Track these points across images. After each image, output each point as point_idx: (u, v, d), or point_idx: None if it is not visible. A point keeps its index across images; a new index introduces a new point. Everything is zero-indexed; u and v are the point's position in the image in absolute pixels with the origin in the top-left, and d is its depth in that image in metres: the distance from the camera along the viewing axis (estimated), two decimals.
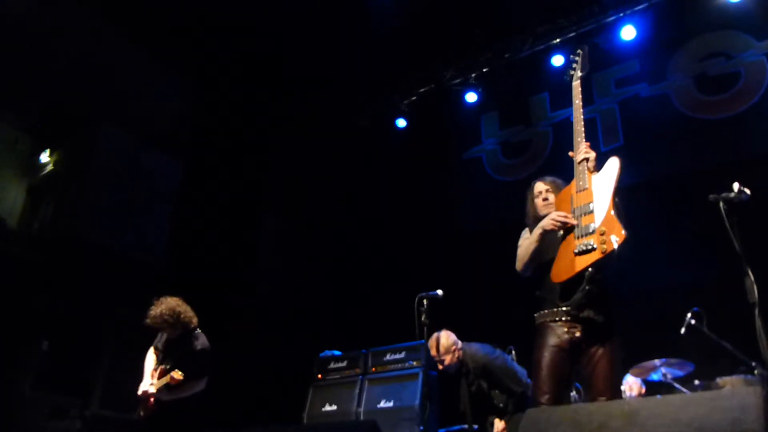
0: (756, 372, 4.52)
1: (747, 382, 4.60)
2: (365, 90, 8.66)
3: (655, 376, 5.13)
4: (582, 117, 3.50)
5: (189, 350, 4.82)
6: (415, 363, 5.71)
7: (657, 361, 4.99)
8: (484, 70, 8.19)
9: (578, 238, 2.97)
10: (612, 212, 2.91)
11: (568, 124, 7.75)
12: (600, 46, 7.55)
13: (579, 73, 3.75)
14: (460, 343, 4.76)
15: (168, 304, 4.88)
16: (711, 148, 6.73)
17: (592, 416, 2.14)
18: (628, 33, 7.36)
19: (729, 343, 4.72)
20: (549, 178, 3.68)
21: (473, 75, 8.25)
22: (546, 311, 3.10)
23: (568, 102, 8.09)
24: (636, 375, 5.20)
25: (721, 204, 2.74)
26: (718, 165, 6.51)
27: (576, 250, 2.93)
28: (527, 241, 3.38)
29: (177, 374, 4.60)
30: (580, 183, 3.20)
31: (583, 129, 3.44)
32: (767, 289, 2.76)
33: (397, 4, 7.45)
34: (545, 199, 3.53)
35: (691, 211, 5.99)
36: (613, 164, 3.13)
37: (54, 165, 7.26)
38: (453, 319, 4.83)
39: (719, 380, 4.80)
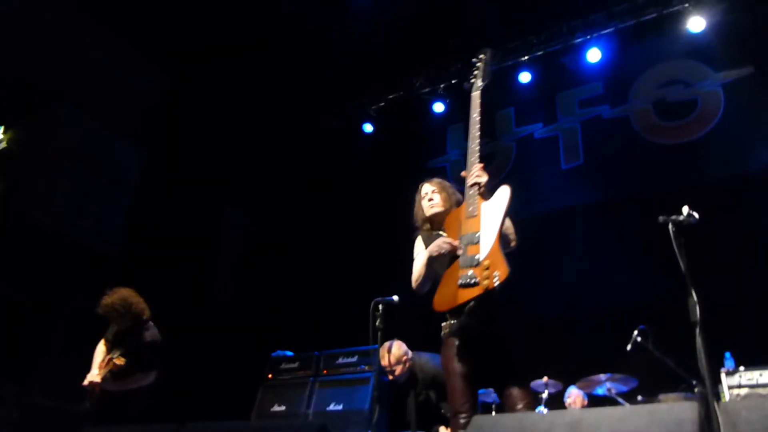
0: (696, 390, 4.67)
1: (687, 399, 4.76)
2: (335, 92, 8.66)
3: (600, 391, 5.27)
4: (478, 134, 3.34)
5: (138, 342, 4.76)
6: (367, 367, 5.73)
7: (602, 376, 5.13)
8: (453, 81, 8.29)
9: (462, 268, 2.84)
10: (498, 246, 2.81)
11: (532, 140, 8.00)
12: (566, 66, 7.76)
13: (479, 83, 3.59)
14: (410, 353, 4.78)
15: (120, 294, 4.81)
16: (665, 172, 6.96)
17: (536, 425, 2.19)
18: (593, 55, 7.58)
19: (672, 361, 4.87)
20: (436, 180, 3.65)
21: (442, 86, 8.35)
22: (445, 323, 3.06)
23: (533, 118, 8.34)
24: (581, 388, 5.33)
25: (670, 226, 2.84)
26: (672, 189, 6.73)
27: (459, 282, 2.80)
28: (417, 263, 3.32)
29: (119, 360, 4.57)
30: (470, 209, 3.03)
31: (478, 148, 3.28)
32: (709, 310, 2.88)
33: (374, 10, 7.48)
34: (431, 200, 3.52)
35: (643, 233, 6.17)
36: (503, 193, 3.01)
37: (7, 143, 7.04)
38: (407, 325, 4.86)
39: (661, 396, 4.94)
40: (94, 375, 4.71)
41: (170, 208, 7.57)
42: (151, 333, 4.87)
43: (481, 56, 3.66)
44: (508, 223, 3.18)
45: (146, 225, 7.36)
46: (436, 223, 3.51)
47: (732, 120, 6.83)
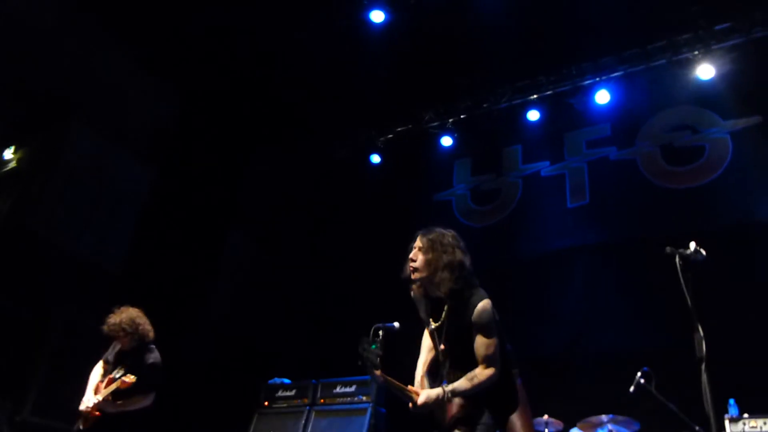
0: None
1: None
2: (345, 122, 8.75)
3: None
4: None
5: (141, 363, 4.70)
6: (364, 398, 5.66)
7: (604, 417, 5.02)
8: (462, 116, 8.38)
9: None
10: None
11: (538, 177, 8.03)
12: (575, 107, 7.83)
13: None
14: None
15: (129, 314, 4.80)
16: (671, 217, 6.95)
17: None
18: (602, 97, 7.65)
19: (675, 406, 4.78)
20: (430, 235, 3.20)
21: (450, 120, 8.43)
22: None
23: (540, 156, 8.39)
24: (582, 429, 5.22)
25: (677, 258, 2.81)
26: (677, 233, 6.70)
27: None
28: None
29: (128, 378, 4.50)
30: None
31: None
32: (713, 355, 2.83)
33: (386, 43, 7.59)
34: (412, 260, 3.15)
35: (647, 275, 6.14)
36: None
37: (17, 162, 7.12)
38: (409, 352, 4.81)
39: None
40: (92, 398, 4.62)
41: (174, 228, 7.60)
42: (154, 355, 4.83)
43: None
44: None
45: (150, 244, 7.37)
46: (418, 287, 3.22)
47: (739, 167, 6.85)
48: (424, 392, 2.96)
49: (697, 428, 4.60)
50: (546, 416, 5.39)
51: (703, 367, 2.55)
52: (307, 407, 5.97)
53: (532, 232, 7.61)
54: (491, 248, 7.59)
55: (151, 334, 4.90)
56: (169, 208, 7.64)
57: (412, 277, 3.14)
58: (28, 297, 6.23)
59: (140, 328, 4.80)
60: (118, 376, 4.59)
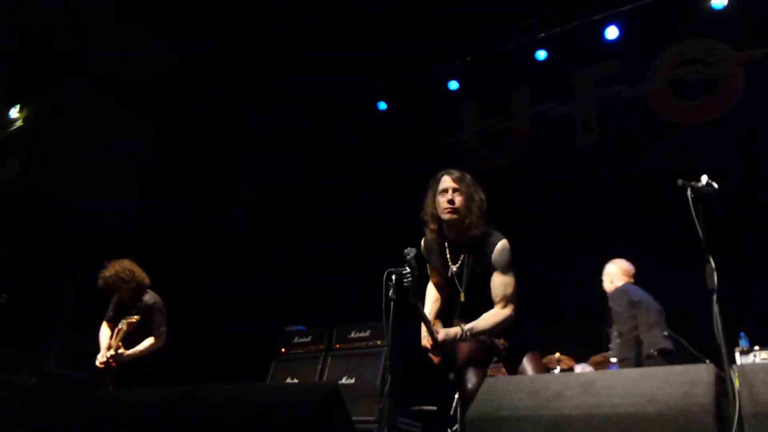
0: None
1: None
2: (350, 68, 8.61)
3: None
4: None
5: (142, 306, 4.89)
6: (379, 342, 5.75)
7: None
8: (468, 59, 8.21)
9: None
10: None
11: (548, 117, 7.91)
12: (583, 44, 7.64)
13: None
14: None
15: (122, 264, 4.97)
16: (683, 152, 6.85)
17: (549, 385, 2.19)
18: (611, 33, 7.45)
19: (685, 340, 4.83)
20: (459, 173, 3.18)
21: (457, 63, 8.27)
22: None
23: (549, 96, 8.22)
24: (593, 364, 5.30)
25: (689, 191, 2.80)
26: (689, 168, 6.60)
27: None
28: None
29: (132, 318, 4.69)
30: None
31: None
32: (724, 288, 2.84)
33: None
34: (450, 201, 3.07)
35: (660, 212, 6.10)
36: None
37: (23, 121, 7.11)
38: (421, 297, 4.86)
39: None
40: (105, 353, 4.76)
41: (182, 183, 7.62)
42: (154, 297, 5.01)
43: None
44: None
45: (159, 200, 7.42)
46: (446, 229, 3.16)
47: (753, 100, 6.69)
48: (443, 330, 2.98)
49: (707, 360, 4.66)
50: (558, 354, 5.48)
51: (714, 298, 2.57)
52: (324, 352, 6.09)
53: (542, 174, 7.54)
54: (500, 192, 7.54)
55: (147, 280, 5.06)
56: (175, 162, 7.65)
57: (448, 218, 3.07)
58: (44, 256, 6.34)
59: (136, 274, 4.98)
60: (125, 321, 4.74)
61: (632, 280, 5.03)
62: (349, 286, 7.24)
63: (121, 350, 4.70)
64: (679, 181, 2.85)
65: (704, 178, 2.90)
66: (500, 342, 3.03)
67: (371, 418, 5.14)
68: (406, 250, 3.05)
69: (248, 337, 7.02)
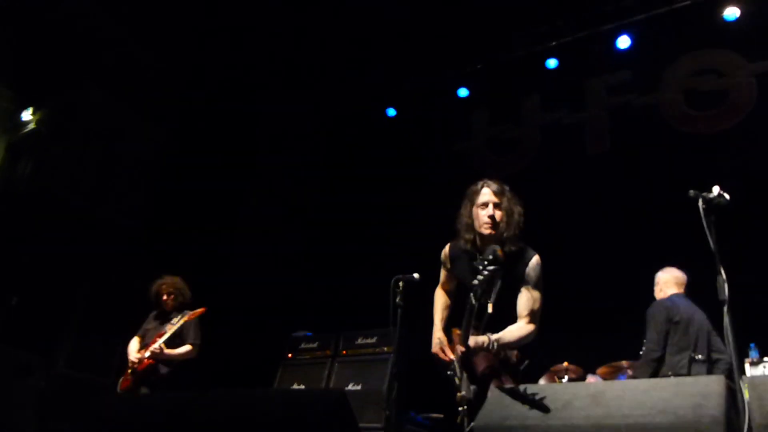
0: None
1: None
2: (360, 74, 8.63)
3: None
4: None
5: (185, 321, 5.25)
6: (386, 348, 5.75)
7: (624, 363, 5.06)
8: (479, 66, 8.22)
9: None
10: None
11: (558, 126, 7.89)
12: (595, 53, 7.64)
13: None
14: None
15: (175, 279, 5.46)
16: (694, 162, 6.81)
17: (557, 395, 2.17)
18: (623, 42, 7.44)
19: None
20: (496, 186, 3.16)
21: (468, 70, 8.28)
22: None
23: (560, 104, 8.20)
24: (602, 374, 5.26)
25: (700, 201, 2.79)
26: (701, 179, 6.57)
27: None
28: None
29: (198, 310, 5.22)
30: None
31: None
32: (736, 299, 2.82)
33: None
34: (490, 216, 3.06)
35: (670, 221, 6.06)
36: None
37: (36, 124, 7.19)
38: (429, 302, 4.86)
39: None
40: (142, 351, 5.10)
41: (190, 186, 7.67)
42: (194, 313, 5.34)
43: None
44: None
45: (169, 203, 7.47)
46: (481, 242, 3.12)
47: (766, 111, 6.66)
48: (472, 337, 2.91)
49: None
50: (565, 363, 5.44)
51: (725, 309, 2.55)
52: (330, 359, 6.09)
53: (552, 182, 7.52)
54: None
55: (190, 299, 5.49)
56: (184, 165, 7.70)
57: (487, 233, 3.05)
58: (54, 257, 6.40)
59: (186, 291, 5.46)
60: (176, 320, 5.15)
61: (682, 291, 4.83)
62: (357, 292, 7.23)
63: (162, 348, 5.00)
64: (691, 192, 2.84)
65: (716, 189, 2.89)
66: (514, 355, 3.03)
67: (378, 425, 5.13)
68: (398, 276, 3.45)
69: (255, 343, 7.02)
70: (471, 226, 3.12)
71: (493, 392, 2.40)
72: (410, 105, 8.79)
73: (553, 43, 7.72)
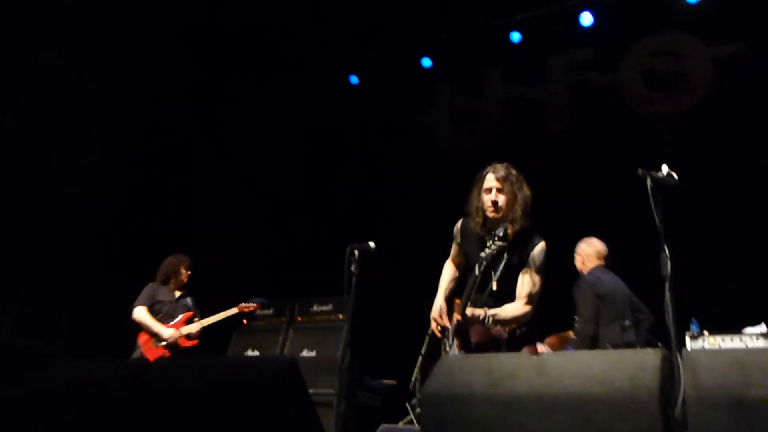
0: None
1: None
2: (323, 42, 8.48)
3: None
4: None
5: (192, 301, 5.88)
6: (341, 316, 5.79)
7: (571, 333, 5.19)
8: (442, 36, 8.17)
9: None
10: None
11: (520, 101, 7.94)
12: (558, 29, 7.66)
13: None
14: None
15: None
16: (650, 142, 6.96)
17: (502, 365, 2.23)
18: (586, 19, 7.49)
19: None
20: (504, 171, 3.37)
21: (431, 41, 8.22)
22: None
23: (522, 79, 8.22)
24: (549, 343, 5.40)
25: (648, 180, 2.86)
26: (655, 159, 6.71)
27: None
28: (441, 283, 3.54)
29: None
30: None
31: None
32: (680, 276, 2.91)
33: None
34: (494, 202, 3.25)
35: (623, 199, 6.20)
36: None
37: None
38: (384, 273, 4.89)
39: None
40: (174, 332, 5.50)
41: (149, 156, 7.50)
42: None
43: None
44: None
45: (125, 173, 7.29)
46: (489, 224, 3.28)
47: (721, 95, 6.81)
48: (470, 309, 3.08)
49: (659, 344, 4.80)
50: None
51: (666, 285, 2.64)
52: (285, 325, 6.11)
53: (513, 157, 7.57)
54: (471, 172, 7.57)
55: None
56: (144, 136, 7.50)
57: (492, 216, 3.23)
58: (6, 227, 6.20)
59: None
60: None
61: (603, 263, 5.08)
62: (313, 260, 7.23)
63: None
64: (640, 171, 2.91)
65: (665, 169, 2.96)
66: (506, 331, 3.20)
67: (331, 391, 5.19)
68: (353, 245, 3.63)
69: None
70: (479, 209, 3.33)
71: (442, 361, 2.45)
72: (373, 76, 8.71)
73: (518, 17, 7.72)
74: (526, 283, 3.15)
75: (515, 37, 7.83)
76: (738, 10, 6.71)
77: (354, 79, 8.84)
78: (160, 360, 4.29)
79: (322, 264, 5.83)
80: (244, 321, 6.46)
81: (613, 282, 4.87)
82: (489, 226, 3.27)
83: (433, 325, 3.23)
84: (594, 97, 7.51)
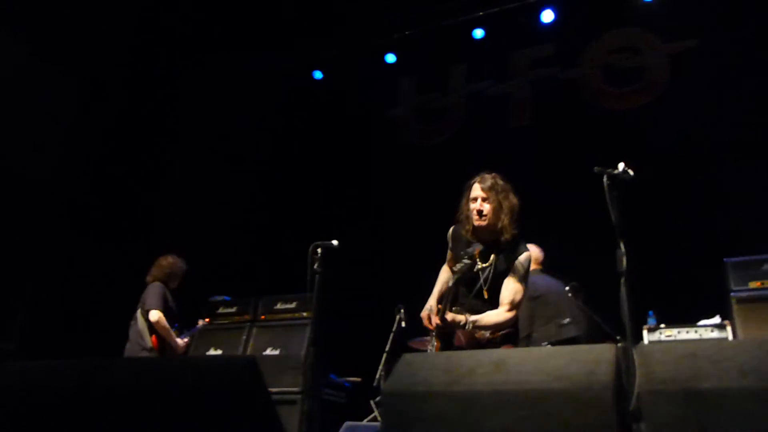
0: (619, 345, 4.88)
1: None
2: (287, 35, 8.40)
3: None
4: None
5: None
6: (305, 313, 5.75)
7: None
8: (407, 33, 8.17)
9: None
10: None
11: (483, 96, 7.99)
12: (520, 25, 7.74)
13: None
14: None
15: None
16: (609, 138, 7.07)
17: (462, 362, 2.24)
18: (547, 16, 7.58)
19: (600, 317, 5.05)
20: (488, 181, 3.40)
21: (395, 36, 8.21)
22: None
23: (486, 74, 8.27)
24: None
25: (605, 177, 2.91)
26: (615, 154, 6.82)
27: None
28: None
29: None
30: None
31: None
32: (637, 269, 2.97)
33: None
34: (480, 211, 3.33)
35: (579, 192, 6.30)
36: None
37: None
38: (348, 271, 4.88)
39: None
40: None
41: (110, 136, 7.31)
42: None
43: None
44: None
45: (84, 155, 7.09)
46: (478, 232, 3.38)
47: (677, 91, 6.97)
48: (450, 314, 3.16)
49: (618, 338, 4.90)
50: None
51: (622, 281, 2.70)
52: (249, 323, 6.04)
53: (477, 153, 7.64)
54: (437, 168, 7.60)
55: None
56: (101, 124, 7.30)
57: (478, 224, 3.33)
58: None
59: None
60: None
61: (540, 267, 5.32)
62: (277, 258, 7.18)
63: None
64: (596, 168, 2.96)
65: (621, 166, 3.01)
66: (487, 336, 3.26)
67: (296, 389, 5.15)
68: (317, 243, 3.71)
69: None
70: (468, 217, 3.41)
71: (403, 359, 2.45)
72: (338, 71, 8.66)
73: (480, 13, 7.76)
74: (509, 290, 3.25)
75: (478, 33, 7.88)
76: (691, 8, 6.88)
77: (318, 74, 8.77)
78: (118, 360, 4.21)
79: (285, 261, 5.79)
80: (207, 319, 6.37)
81: (546, 283, 5.16)
82: (477, 233, 3.40)
83: (425, 322, 3.32)
84: (556, 93, 7.60)
